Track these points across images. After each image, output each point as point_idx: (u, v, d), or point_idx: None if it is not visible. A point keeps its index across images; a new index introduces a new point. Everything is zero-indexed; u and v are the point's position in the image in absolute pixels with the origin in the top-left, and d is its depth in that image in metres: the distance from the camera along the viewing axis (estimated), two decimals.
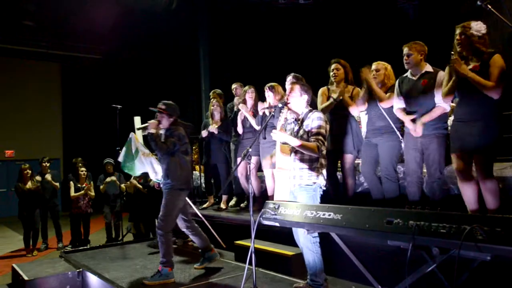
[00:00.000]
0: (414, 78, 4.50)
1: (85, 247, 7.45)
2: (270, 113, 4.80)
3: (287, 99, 4.00)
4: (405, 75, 4.65)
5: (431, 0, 8.43)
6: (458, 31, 3.87)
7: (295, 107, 3.98)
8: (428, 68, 4.45)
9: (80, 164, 8.68)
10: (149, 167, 5.79)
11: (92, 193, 8.48)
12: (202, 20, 12.02)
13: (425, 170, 4.52)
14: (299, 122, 3.93)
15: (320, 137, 3.75)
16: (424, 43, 4.50)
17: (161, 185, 4.91)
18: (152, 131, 4.71)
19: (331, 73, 5.32)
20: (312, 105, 4.09)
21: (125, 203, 8.40)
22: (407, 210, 2.65)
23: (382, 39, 8.99)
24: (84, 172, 8.52)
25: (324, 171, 3.89)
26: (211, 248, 5.06)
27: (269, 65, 10.61)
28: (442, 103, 4.23)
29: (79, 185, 8.40)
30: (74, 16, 12.45)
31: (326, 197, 4.08)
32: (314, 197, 3.81)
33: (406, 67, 4.54)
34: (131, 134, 5.98)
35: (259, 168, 6.40)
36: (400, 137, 4.71)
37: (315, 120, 3.81)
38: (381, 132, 4.82)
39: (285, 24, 11.12)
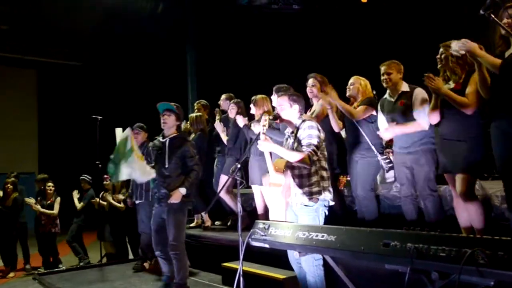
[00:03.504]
0: (392, 100, 4.63)
1: (61, 268, 7.39)
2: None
3: (277, 113, 4.04)
4: (384, 96, 4.78)
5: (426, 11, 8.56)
6: (440, 50, 4.05)
7: (288, 119, 4.01)
8: (405, 87, 4.57)
9: (39, 179, 8.68)
10: (139, 170, 5.64)
11: (54, 211, 8.28)
12: (189, 25, 12.03)
13: None
14: (294, 134, 3.95)
15: (312, 146, 3.76)
16: (399, 62, 4.64)
17: (159, 197, 4.85)
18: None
19: (307, 89, 5.44)
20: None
21: (95, 220, 8.38)
22: (404, 231, 2.66)
23: (379, 47, 9.07)
24: (51, 187, 8.45)
25: (327, 184, 3.89)
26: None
27: (262, 74, 10.64)
28: (420, 119, 4.33)
29: (44, 202, 8.31)
30: (52, 19, 12.41)
31: (333, 216, 4.08)
32: (316, 218, 3.80)
33: (385, 85, 4.66)
34: (128, 130, 5.84)
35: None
36: (377, 154, 4.77)
37: (307, 129, 3.84)
38: (359, 148, 4.93)
39: (277, 31, 11.18)
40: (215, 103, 7.37)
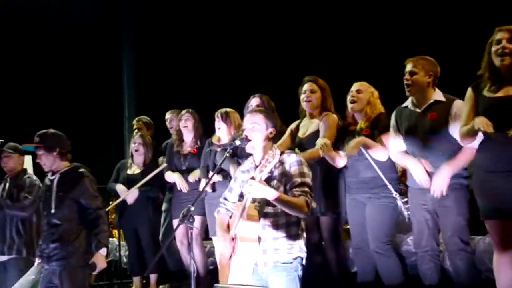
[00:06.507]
0: (418, 110, 4.49)
1: None
2: (223, 153, 4.78)
3: (246, 135, 3.90)
4: (404, 105, 4.65)
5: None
6: (501, 35, 3.79)
7: (259, 146, 3.91)
8: (438, 96, 4.43)
9: None
10: None
11: None
12: (125, 17, 11.96)
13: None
14: (274, 168, 3.81)
15: (307, 189, 3.73)
16: (436, 61, 4.50)
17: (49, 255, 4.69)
18: None
19: (302, 96, 5.31)
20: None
21: None
22: None
23: (377, 52, 9.14)
24: None
25: (304, 236, 3.91)
26: None
27: (222, 82, 10.61)
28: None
29: None
30: None
31: (311, 279, 4.10)
32: (296, 280, 3.78)
33: (407, 91, 4.50)
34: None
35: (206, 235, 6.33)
36: (394, 193, 4.64)
37: (295, 166, 3.80)
38: (369, 186, 4.81)
39: (245, 23, 11.12)
40: (160, 120, 7.28)
